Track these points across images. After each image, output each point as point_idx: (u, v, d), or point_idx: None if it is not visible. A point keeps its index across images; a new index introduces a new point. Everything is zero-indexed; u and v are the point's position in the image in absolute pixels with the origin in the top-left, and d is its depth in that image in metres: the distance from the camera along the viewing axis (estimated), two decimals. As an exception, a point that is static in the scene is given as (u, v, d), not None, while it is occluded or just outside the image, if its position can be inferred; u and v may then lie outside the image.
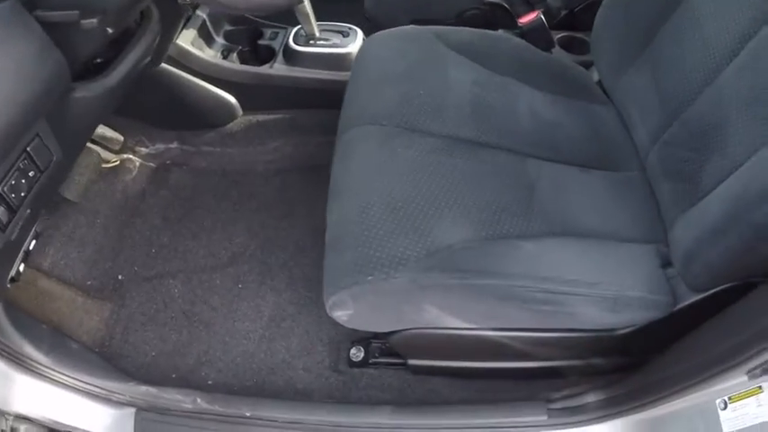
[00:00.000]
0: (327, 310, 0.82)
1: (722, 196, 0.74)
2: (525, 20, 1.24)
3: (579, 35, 1.34)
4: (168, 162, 1.45)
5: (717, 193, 0.75)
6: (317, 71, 1.33)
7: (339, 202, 0.88)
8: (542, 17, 1.24)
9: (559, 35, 1.35)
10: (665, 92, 0.90)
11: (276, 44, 1.40)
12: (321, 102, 1.32)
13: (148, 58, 1.09)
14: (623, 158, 0.99)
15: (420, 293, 0.79)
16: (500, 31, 1.27)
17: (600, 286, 0.78)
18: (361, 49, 1.13)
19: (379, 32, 1.13)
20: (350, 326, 0.86)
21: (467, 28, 1.17)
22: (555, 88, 1.07)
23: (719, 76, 0.80)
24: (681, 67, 0.87)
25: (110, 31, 0.90)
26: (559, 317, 0.80)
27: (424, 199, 0.84)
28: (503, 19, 1.32)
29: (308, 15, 1.26)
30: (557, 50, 1.30)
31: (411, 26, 1.15)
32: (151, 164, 1.44)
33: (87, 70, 0.95)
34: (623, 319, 0.83)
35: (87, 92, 0.92)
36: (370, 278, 0.77)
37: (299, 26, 1.35)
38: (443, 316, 0.83)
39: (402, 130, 0.95)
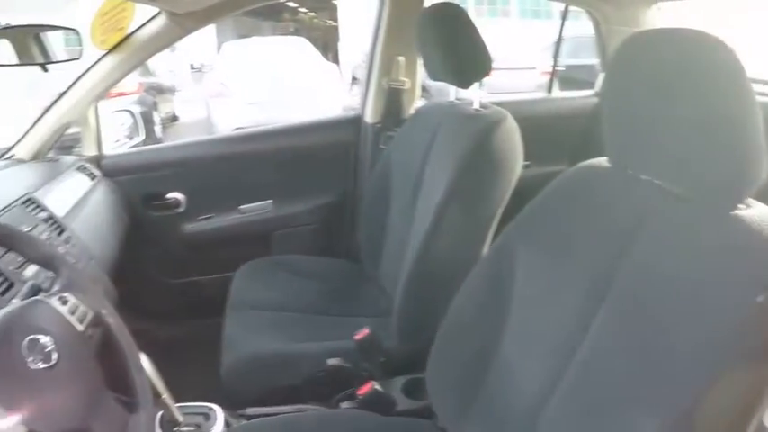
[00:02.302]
0: None
1: None
2: (362, 391, 1.35)
3: (423, 375, 1.39)
4: None
5: None
6: None
7: None
8: (377, 386, 1.34)
9: (404, 379, 1.45)
10: None
11: None
12: None
13: None
14: None
15: None
16: (344, 404, 1.40)
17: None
18: None
19: (235, 429, 1.28)
20: None
21: (314, 412, 1.35)
22: None
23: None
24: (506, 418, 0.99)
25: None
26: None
27: None
28: (349, 378, 1.46)
29: (168, 405, 1.32)
30: (401, 400, 1.41)
31: (260, 420, 1.30)
32: None
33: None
34: None
35: None
36: None
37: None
38: None
39: None
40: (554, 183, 1.04)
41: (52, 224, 1.45)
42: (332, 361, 1.48)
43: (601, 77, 2.40)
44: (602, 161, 1.00)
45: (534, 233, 1.04)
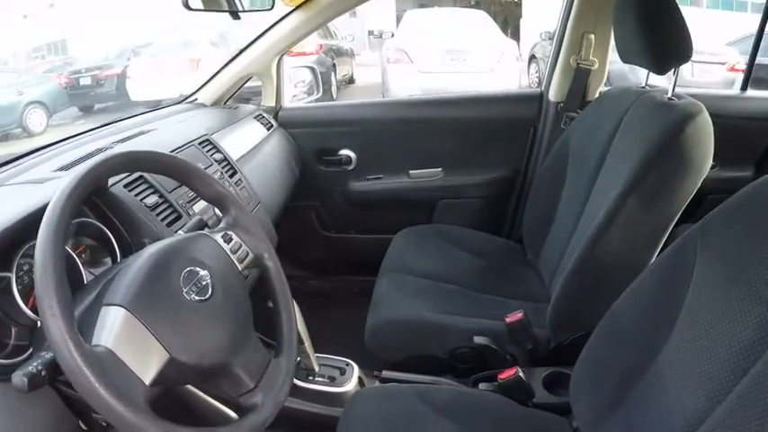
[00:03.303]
0: None
1: None
2: (504, 375, 1.28)
3: (567, 370, 1.31)
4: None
5: None
6: (312, 405, 1.41)
7: None
8: (521, 374, 1.27)
9: (547, 372, 1.38)
10: None
11: None
12: None
13: None
14: None
15: None
16: (482, 385, 1.35)
17: None
18: (347, 406, 1.19)
19: (365, 390, 1.28)
20: None
21: (449, 387, 1.32)
22: None
23: None
24: None
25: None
26: None
27: None
28: (492, 359, 1.42)
29: (308, 354, 1.39)
30: (540, 393, 1.34)
31: (393, 385, 1.27)
32: None
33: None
34: None
35: None
36: None
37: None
38: None
39: None
40: (749, 189, 0.90)
41: (225, 166, 1.52)
42: (479, 339, 1.42)
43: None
44: None
45: (718, 242, 0.91)
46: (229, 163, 1.55)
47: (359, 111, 2.22)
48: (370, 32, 11.74)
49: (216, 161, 1.50)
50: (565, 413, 1.18)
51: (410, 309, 1.53)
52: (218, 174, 1.46)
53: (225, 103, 2.08)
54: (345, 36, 11.00)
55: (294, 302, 1.09)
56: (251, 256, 1.01)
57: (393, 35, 8.92)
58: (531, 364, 1.42)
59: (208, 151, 1.51)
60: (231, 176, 1.51)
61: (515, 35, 13.45)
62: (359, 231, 2.29)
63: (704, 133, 1.25)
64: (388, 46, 8.49)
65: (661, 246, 1.30)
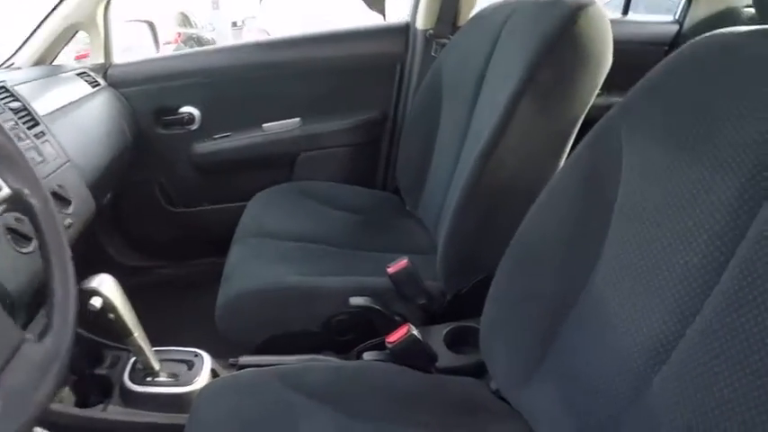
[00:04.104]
0: None
1: None
2: (394, 338, 1.00)
3: (472, 323, 1.13)
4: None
5: None
6: (155, 414, 1.10)
7: None
8: (415, 333, 1.00)
9: (447, 328, 1.14)
10: (579, 414, 0.70)
11: (116, 373, 1.20)
12: None
13: None
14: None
15: None
16: (368, 355, 1.08)
17: None
18: (192, 410, 0.87)
19: (211, 384, 0.91)
20: None
21: (323, 364, 0.97)
22: (446, 419, 0.84)
23: (646, 391, 0.61)
24: (592, 382, 0.68)
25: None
26: None
27: None
28: (379, 324, 1.15)
29: (141, 348, 1.07)
30: (442, 354, 1.07)
31: (249, 371, 0.93)
32: None
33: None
34: None
35: None
36: None
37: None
38: None
39: None
40: (675, 55, 0.70)
41: (24, 116, 1.23)
42: (356, 300, 1.14)
43: (683, 2, 1.99)
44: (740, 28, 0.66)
45: (650, 120, 0.69)
46: (30, 113, 1.24)
47: (200, 60, 1.87)
48: (234, 24, 11.36)
49: (11, 109, 1.19)
50: (479, 374, 0.95)
51: (269, 276, 1.23)
52: (13, 123, 1.16)
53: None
54: (205, 25, 10.44)
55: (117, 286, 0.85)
56: (5, 190, 0.71)
57: (255, 18, 8.69)
58: (427, 322, 1.17)
59: (2, 99, 1.20)
60: (30, 128, 1.20)
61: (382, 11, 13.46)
62: (212, 202, 1.94)
63: (599, 24, 1.07)
64: (249, 28, 8.25)
65: (567, 150, 1.09)
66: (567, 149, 1.10)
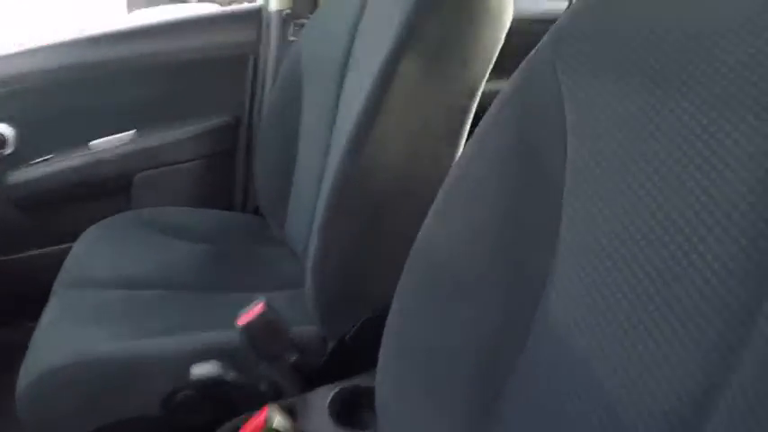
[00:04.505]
0: None
1: None
2: (249, 426, 0.74)
3: (368, 383, 0.84)
4: None
5: None
6: None
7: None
8: (277, 414, 0.75)
9: (332, 391, 0.84)
10: None
11: None
12: None
13: None
14: None
15: None
16: None
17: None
18: None
19: None
20: None
21: None
22: None
23: None
24: None
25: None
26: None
27: None
28: (237, 398, 0.86)
29: None
30: None
31: None
32: None
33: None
34: None
35: None
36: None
37: None
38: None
39: None
40: None
41: None
42: (199, 369, 0.82)
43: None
44: None
45: (600, 50, 0.46)
46: None
47: (7, 64, 1.51)
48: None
49: None
50: None
51: (79, 343, 0.90)
52: None
53: None
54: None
55: None
56: None
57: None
58: (303, 385, 0.87)
59: None
60: None
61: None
62: (37, 245, 1.57)
63: None
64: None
65: (466, 133, 0.82)
66: (466, 131, 0.84)
